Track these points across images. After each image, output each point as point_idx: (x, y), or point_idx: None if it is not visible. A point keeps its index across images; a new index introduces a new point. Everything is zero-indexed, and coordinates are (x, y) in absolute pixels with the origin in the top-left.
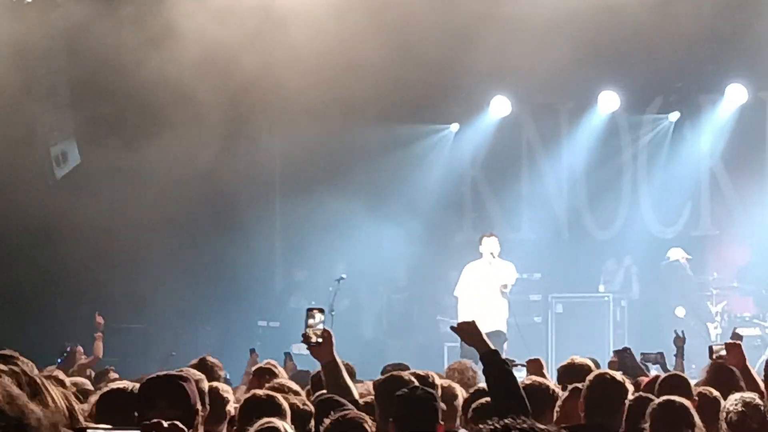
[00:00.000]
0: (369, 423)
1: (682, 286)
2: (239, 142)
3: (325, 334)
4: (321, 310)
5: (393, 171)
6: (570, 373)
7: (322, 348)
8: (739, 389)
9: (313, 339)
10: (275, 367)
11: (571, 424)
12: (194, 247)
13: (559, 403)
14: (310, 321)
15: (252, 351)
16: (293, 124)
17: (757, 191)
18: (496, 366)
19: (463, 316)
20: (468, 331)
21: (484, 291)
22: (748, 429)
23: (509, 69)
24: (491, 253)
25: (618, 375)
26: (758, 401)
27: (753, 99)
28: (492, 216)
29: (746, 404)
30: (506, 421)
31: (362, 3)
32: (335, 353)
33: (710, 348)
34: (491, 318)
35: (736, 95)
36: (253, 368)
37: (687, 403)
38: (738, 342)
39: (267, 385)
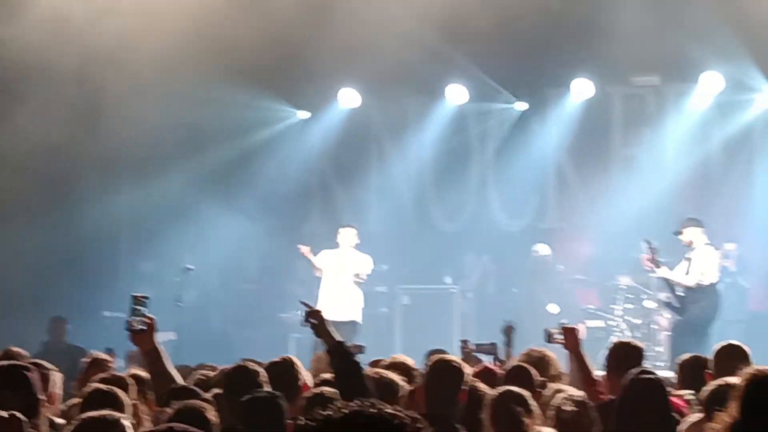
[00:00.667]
0: (212, 413)
1: (549, 281)
2: (85, 124)
3: (149, 322)
4: (146, 297)
5: (242, 160)
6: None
7: (144, 336)
8: (549, 376)
9: (137, 326)
10: (107, 359)
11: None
12: (35, 233)
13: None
14: (135, 308)
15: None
16: (141, 106)
17: (602, 185)
18: (343, 358)
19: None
20: (315, 323)
21: (339, 279)
22: (581, 428)
23: (358, 61)
24: (348, 245)
25: (456, 360)
26: (587, 400)
27: (599, 93)
28: (340, 207)
29: (579, 404)
30: (353, 405)
31: None
32: (156, 341)
33: (546, 331)
34: (346, 307)
35: (582, 89)
36: (87, 360)
37: (526, 393)
38: (574, 327)
39: (100, 376)
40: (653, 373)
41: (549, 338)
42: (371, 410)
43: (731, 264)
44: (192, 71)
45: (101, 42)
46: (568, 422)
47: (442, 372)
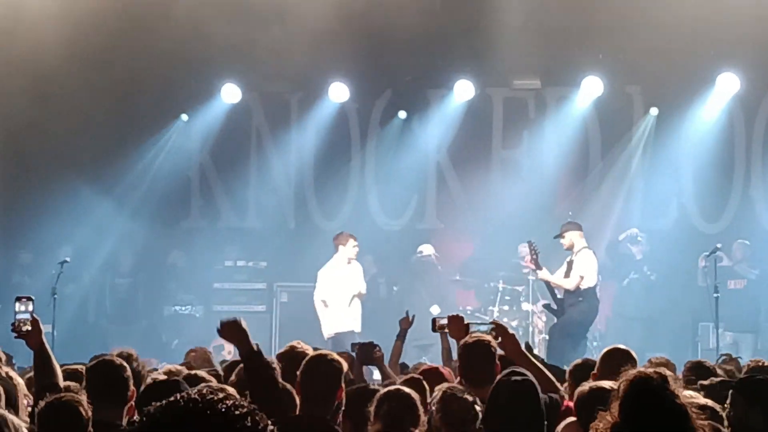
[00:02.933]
0: (85, 406)
1: (431, 282)
2: None
3: (33, 323)
4: (30, 299)
5: (122, 153)
6: (290, 358)
7: (31, 336)
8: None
9: (24, 327)
10: None
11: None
12: None
13: None
14: (19, 309)
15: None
16: (19, 98)
17: (481, 186)
18: (257, 364)
19: (328, 319)
20: (230, 331)
21: (342, 292)
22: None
23: (238, 57)
24: (348, 258)
25: (334, 356)
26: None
27: (480, 95)
28: (219, 203)
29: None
30: (204, 392)
31: None
32: (44, 340)
33: (433, 321)
34: (346, 319)
35: (463, 90)
36: None
37: (413, 393)
38: (461, 315)
39: None
40: (524, 375)
41: (435, 327)
42: (206, 400)
43: (638, 252)
44: (66, 80)
45: None
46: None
47: (318, 369)
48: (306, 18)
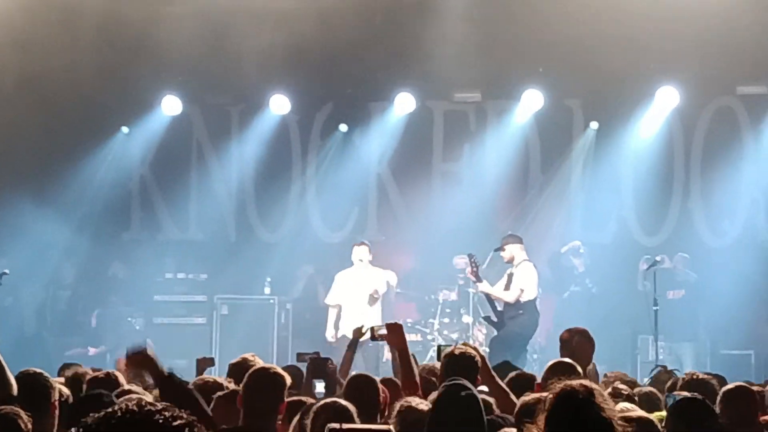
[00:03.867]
0: (24, 419)
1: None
2: None
3: None
4: None
5: (62, 166)
6: (241, 370)
7: None
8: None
9: None
10: None
11: (230, 426)
12: None
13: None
14: None
15: None
16: None
17: (422, 198)
18: (171, 389)
19: (335, 324)
20: (139, 363)
21: (356, 299)
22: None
23: (178, 68)
24: (360, 260)
25: (277, 369)
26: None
27: (420, 107)
28: (159, 215)
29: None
30: (141, 403)
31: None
32: None
33: (371, 329)
34: (359, 322)
35: (404, 103)
36: None
37: (350, 406)
38: (399, 323)
39: None
40: (464, 384)
41: (374, 336)
42: (143, 411)
43: (579, 264)
44: (4, 91)
45: None
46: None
47: (261, 383)
48: (247, 31)
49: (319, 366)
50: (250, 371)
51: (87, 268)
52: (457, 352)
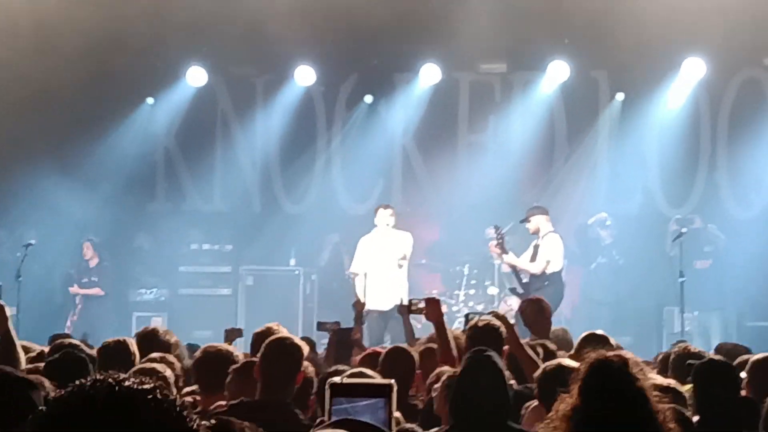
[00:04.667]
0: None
1: None
2: None
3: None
4: None
5: (87, 137)
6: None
7: None
8: None
9: None
10: None
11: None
12: None
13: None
14: None
15: None
16: None
17: (447, 170)
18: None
19: (364, 291)
20: None
21: (382, 264)
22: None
23: (204, 40)
24: (387, 224)
25: (294, 339)
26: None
27: (446, 79)
28: (184, 187)
29: None
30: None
31: None
32: (10, 326)
33: (410, 301)
34: (391, 292)
35: (429, 74)
36: None
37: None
38: (437, 298)
39: None
40: (488, 351)
41: (411, 308)
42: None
43: (607, 236)
44: (30, 64)
45: None
46: None
47: (277, 353)
48: (273, 2)
49: (343, 336)
50: (267, 341)
51: (113, 239)
52: (480, 324)
